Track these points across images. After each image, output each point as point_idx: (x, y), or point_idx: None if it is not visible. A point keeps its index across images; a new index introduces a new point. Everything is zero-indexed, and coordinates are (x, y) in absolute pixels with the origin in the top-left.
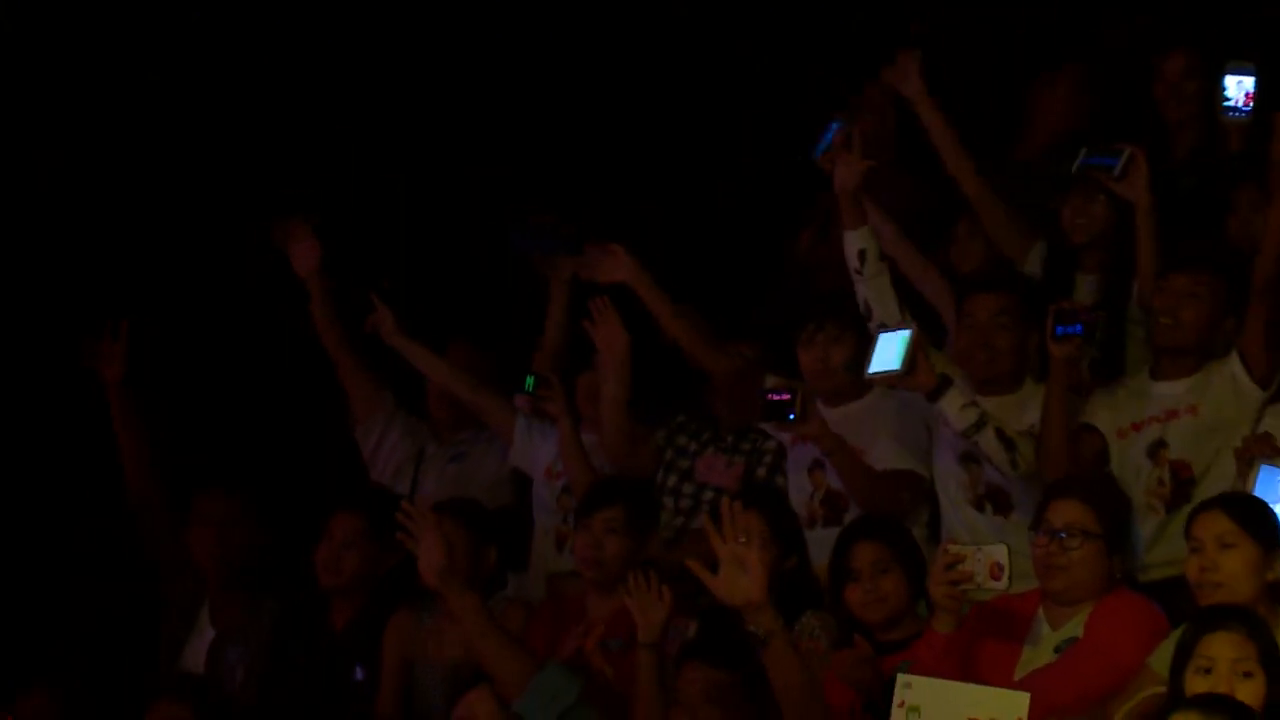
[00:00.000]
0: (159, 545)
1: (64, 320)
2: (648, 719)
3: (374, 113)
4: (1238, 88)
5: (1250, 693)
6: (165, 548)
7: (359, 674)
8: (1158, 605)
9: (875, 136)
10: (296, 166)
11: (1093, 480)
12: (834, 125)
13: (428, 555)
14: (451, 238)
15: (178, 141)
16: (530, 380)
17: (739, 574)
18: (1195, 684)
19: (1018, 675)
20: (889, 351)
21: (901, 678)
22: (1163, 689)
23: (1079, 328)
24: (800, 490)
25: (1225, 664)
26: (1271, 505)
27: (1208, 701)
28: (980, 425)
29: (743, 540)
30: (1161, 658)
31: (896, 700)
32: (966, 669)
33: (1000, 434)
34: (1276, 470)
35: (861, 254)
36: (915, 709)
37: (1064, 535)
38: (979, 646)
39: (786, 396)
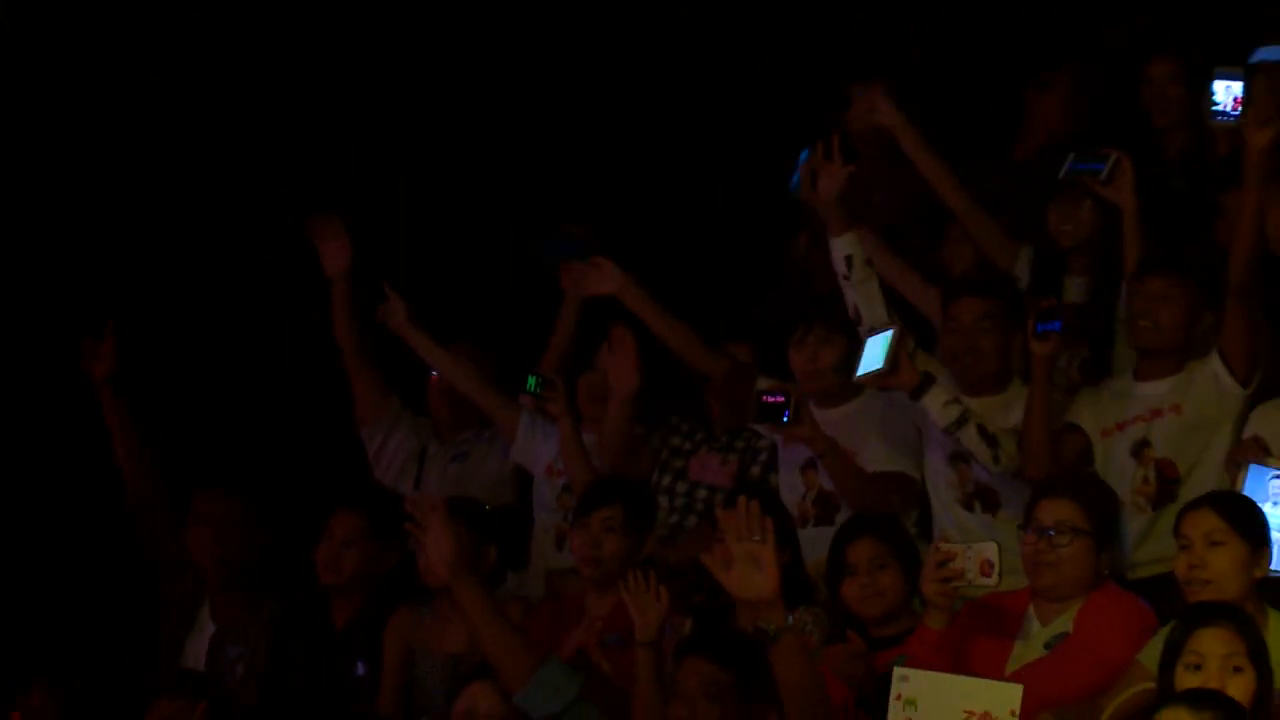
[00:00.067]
0: (159, 545)
1: (64, 320)
2: (647, 715)
3: (374, 112)
4: (1226, 92)
5: (1240, 688)
6: (165, 547)
7: (360, 670)
8: (1146, 602)
9: (871, 137)
10: (296, 167)
11: (1081, 478)
12: (804, 155)
13: (436, 546)
14: (451, 238)
15: (178, 141)
16: (532, 380)
17: (753, 571)
18: (1185, 680)
19: (1009, 670)
20: (875, 352)
21: (898, 671)
22: (1152, 685)
23: (1058, 324)
24: (792, 489)
25: (1215, 660)
26: (1260, 504)
27: (1197, 697)
28: (962, 422)
29: (757, 538)
30: (1151, 654)
31: (893, 693)
32: (959, 664)
33: (982, 430)
34: (1265, 470)
35: (848, 259)
36: (911, 701)
37: (1053, 533)
38: (970, 642)
39: (780, 399)
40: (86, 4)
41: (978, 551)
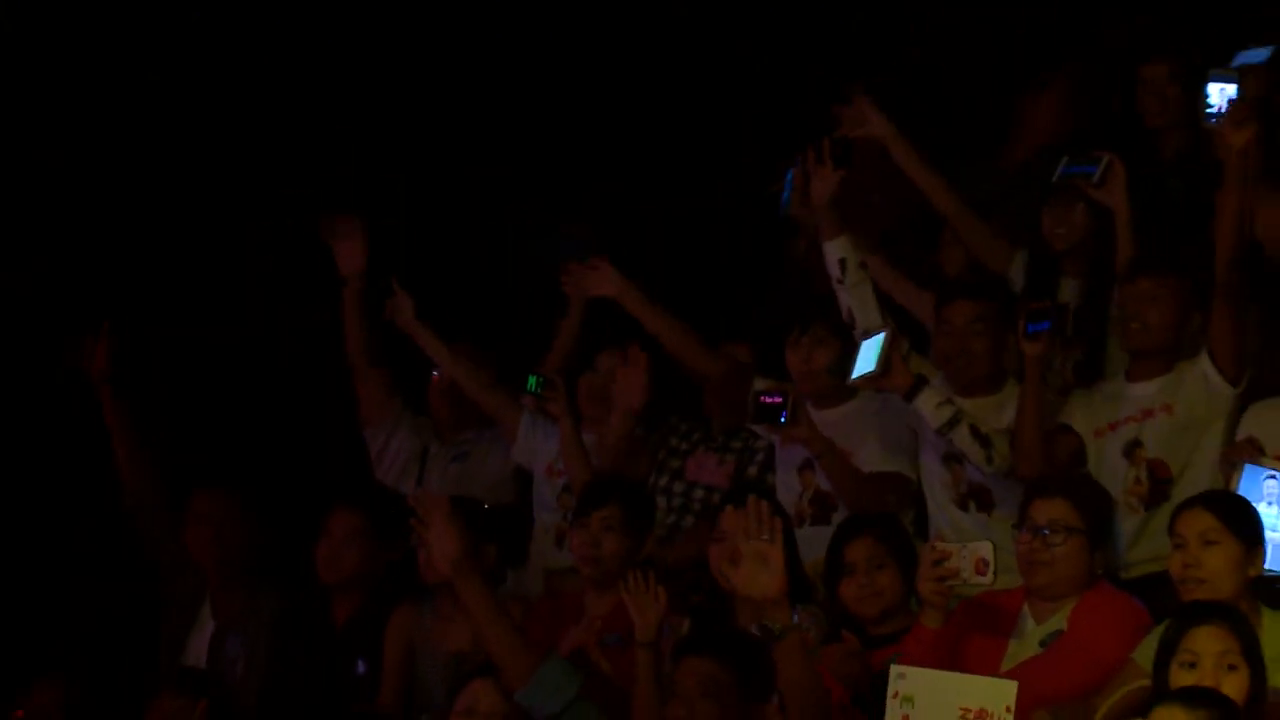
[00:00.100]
0: (158, 544)
1: (64, 320)
2: (646, 715)
3: (374, 113)
4: (1220, 95)
5: (1234, 686)
6: (165, 547)
7: (361, 668)
8: (1140, 601)
9: (864, 143)
10: (296, 167)
11: (1074, 478)
12: (790, 172)
13: (440, 543)
14: (451, 238)
15: (177, 141)
16: (533, 380)
17: (760, 569)
18: (1180, 678)
19: (1004, 669)
20: (868, 355)
21: (895, 668)
22: (1147, 683)
23: (1046, 324)
24: (789, 489)
25: (1210, 658)
26: (1254, 504)
27: (1191, 695)
28: (954, 423)
29: (766, 537)
30: (1145, 652)
31: (890, 690)
32: (954, 663)
33: (974, 430)
34: (1260, 470)
35: (842, 263)
36: (909, 699)
37: (1047, 532)
38: (966, 641)
39: (778, 399)
40: (86, 4)
41: (973, 551)
